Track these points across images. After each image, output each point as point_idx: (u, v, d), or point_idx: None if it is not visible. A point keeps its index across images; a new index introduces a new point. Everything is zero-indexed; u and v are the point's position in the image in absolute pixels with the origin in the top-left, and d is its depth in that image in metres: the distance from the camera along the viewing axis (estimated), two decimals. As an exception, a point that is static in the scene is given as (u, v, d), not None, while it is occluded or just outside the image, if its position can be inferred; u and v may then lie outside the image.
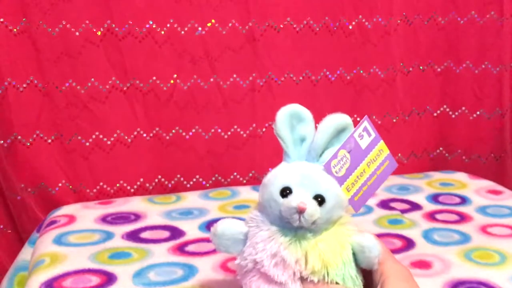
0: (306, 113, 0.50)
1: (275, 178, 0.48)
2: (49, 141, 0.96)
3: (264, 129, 1.02)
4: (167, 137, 0.99)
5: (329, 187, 0.47)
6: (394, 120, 1.08)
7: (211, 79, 0.98)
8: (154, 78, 0.96)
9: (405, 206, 0.85)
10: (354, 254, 0.47)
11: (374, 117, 1.06)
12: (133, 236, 0.74)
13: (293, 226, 0.46)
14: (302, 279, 0.46)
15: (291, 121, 0.49)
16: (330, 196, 0.47)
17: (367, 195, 0.50)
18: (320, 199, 0.46)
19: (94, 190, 0.98)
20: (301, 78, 1.02)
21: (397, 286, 0.45)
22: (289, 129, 0.49)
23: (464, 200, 0.87)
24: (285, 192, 0.47)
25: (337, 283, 0.46)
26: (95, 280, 0.62)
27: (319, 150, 0.48)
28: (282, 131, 0.49)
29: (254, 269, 0.47)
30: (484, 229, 0.75)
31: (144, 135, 0.98)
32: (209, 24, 0.96)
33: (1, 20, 0.89)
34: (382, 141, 0.51)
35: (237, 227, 0.49)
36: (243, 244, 0.49)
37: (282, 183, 0.47)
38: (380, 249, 0.46)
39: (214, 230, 0.50)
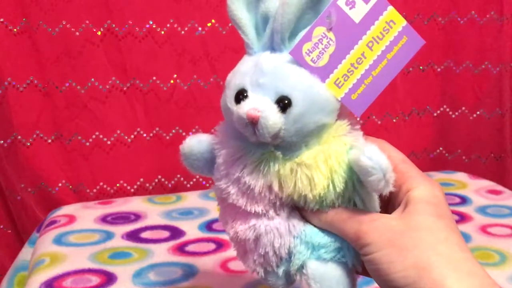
0: None
1: (232, 76, 0.38)
2: (49, 141, 0.95)
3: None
4: (167, 137, 0.99)
5: (297, 83, 0.35)
6: (394, 120, 1.08)
7: (211, 79, 0.98)
8: (154, 78, 0.96)
9: (405, 206, 0.85)
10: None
11: (374, 117, 1.06)
12: (133, 236, 0.74)
13: (260, 142, 0.36)
14: (297, 208, 0.37)
15: None
16: (299, 97, 0.34)
17: (372, 91, 0.36)
18: (283, 103, 0.34)
19: (94, 190, 0.98)
20: (301, 78, 1.02)
21: (424, 209, 0.35)
22: (246, 7, 0.38)
23: (464, 200, 0.87)
24: (240, 96, 0.36)
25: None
26: (95, 280, 0.62)
27: (285, 31, 0.35)
28: (236, 11, 0.37)
29: (225, 200, 0.38)
30: (484, 229, 0.75)
31: (144, 135, 0.98)
32: (209, 24, 0.96)
33: (1, 20, 0.89)
34: (391, 8, 0.36)
35: (205, 144, 0.41)
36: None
37: (237, 84, 0.36)
38: (385, 168, 0.34)
39: (181, 149, 0.41)
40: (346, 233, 0.36)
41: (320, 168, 0.35)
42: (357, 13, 0.35)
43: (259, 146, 0.36)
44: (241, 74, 0.37)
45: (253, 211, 0.37)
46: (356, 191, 0.36)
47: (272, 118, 0.34)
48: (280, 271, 0.38)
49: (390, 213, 0.37)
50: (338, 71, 0.35)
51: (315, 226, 0.37)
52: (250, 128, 0.34)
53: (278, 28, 0.35)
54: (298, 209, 0.38)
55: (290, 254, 0.38)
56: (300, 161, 0.35)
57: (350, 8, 0.35)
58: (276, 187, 0.36)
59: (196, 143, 0.41)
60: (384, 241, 0.34)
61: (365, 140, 0.37)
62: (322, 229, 0.37)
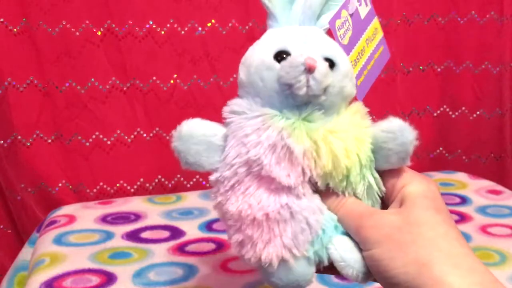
0: None
1: (264, 44, 0.37)
2: (49, 141, 0.95)
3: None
4: (167, 137, 0.99)
5: (338, 50, 0.37)
6: (394, 120, 1.08)
7: (211, 79, 0.98)
8: (154, 78, 0.96)
9: (405, 206, 0.85)
10: (373, 152, 0.36)
11: (374, 117, 1.06)
12: (133, 236, 0.74)
13: (295, 105, 0.35)
14: (317, 190, 0.37)
15: None
16: (341, 60, 0.36)
17: (368, 82, 0.41)
18: (330, 61, 0.35)
19: (94, 190, 0.98)
20: (301, 78, 1.02)
21: (421, 204, 0.35)
22: None
23: (464, 200, 0.87)
24: (282, 55, 0.35)
25: (355, 196, 0.37)
26: (95, 280, 0.62)
27: (316, 9, 0.37)
28: None
29: (247, 177, 0.35)
30: (484, 229, 0.75)
31: (144, 135, 0.98)
32: (209, 24, 0.96)
33: (1, 20, 0.89)
34: (376, 18, 0.41)
35: (211, 126, 0.37)
36: (219, 152, 0.36)
37: (276, 46, 0.36)
38: (414, 132, 0.36)
39: (178, 132, 0.37)
40: (349, 227, 0.36)
41: (350, 137, 0.35)
42: (362, 11, 0.39)
43: (293, 110, 0.35)
44: (277, 38, 0.36)
45: (286, 184, 0.34)
46: (371, 171, 0.36)
47: (327, 68, 0.34)
48: (311, 253, 0.36)
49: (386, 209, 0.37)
50: (352, 54, 0.38)
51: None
52: (303, 77, 0.33)
53: (312, 5, 0.36)
54: (318, 193, 0.37)
55: (322, 231, 0.36)
56: (334, 127, 0.35)
57: (360, 5, 0.39)
58: (313, 152, 0.34)
59: (198, 124, 0.37)
60: (383, 236, 0.34)
61: None
62: None
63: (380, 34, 0.41)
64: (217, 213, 0.38)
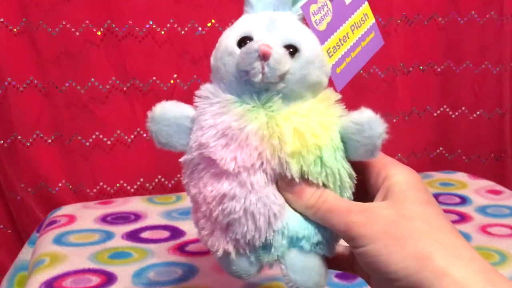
0: None
1: (232, 30, 0.38)
2: (49, 141, 0.95)
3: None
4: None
5: (306, 37, 0.36)
6: (394, 120, 1.08)
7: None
8: (154, 78, 0.96)
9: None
10: (343, 142, 0.35)
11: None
12: (133, 236, 0.74)
13: (255, 91, 0.35)
14: (276, 179, 0.35)
15: None
16: (305, 47, 0.35)
17: (350, 70, 0.39)
18: (292, 50, 0.35)
19: (94, 190, 0.98)
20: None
21: (413, 197, 0.34)
22: None
23: (464, 200, 0.87)
24: (244, 41, 0.35)
25: (324, 185, 0.35)
26: (95, 280, 0.62)
27: None
28: None
29: (202, 161, 0.35)
30: (484, 229, 0.75)
31: (144, 135, 0.98)
32: (209, 24, 0.96)
33: (1, 20, 0.89)
34: (367, 3, 0.40)
35: (182, 109, 0.38)
36: (190, 134, 0.37)
37: (241, 32, 0.36)
38: (384, 125, 0.34)
39: (151, 113, 0.38)
40: (336, 224, 0.34)
41: (313, 121, 0.34)
42: None
43: (252, 96, 0.35)
44: (244, 25, 0.36)
45: (225, 168, 0.34)
46: (341, 163, 0.35)
47: (284, 55, 0.33)
48: (252, 257, 0.37)
49: (366, 200, 0.36)
50: (330, 40, 0.37)
51: (297, 212, 0.35)
52: (258, 64, 0.33)
53: None
54: (280, 189, 0.35)
55: (267, 244, 0.36)
56: (295, 111, 0.35)
57: None
58: (266, 130, 0.34)
59: (171, 106, 0.38)
60: (378, 232, 0.33)
61: None
62: (304, 218, 0.35)
63: (371, 20, 0.39)
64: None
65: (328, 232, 0.36)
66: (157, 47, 0.95)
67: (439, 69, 1.09)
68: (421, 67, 1.09)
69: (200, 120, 0.36)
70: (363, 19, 0.39)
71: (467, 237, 0.72)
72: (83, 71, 0.93)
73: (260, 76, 0.33)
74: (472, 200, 0.87)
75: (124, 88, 0.96)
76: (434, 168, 1.10)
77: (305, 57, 0.35)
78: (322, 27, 0.36)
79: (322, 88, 0.37)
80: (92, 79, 0.94)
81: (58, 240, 0.72)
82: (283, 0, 0.36)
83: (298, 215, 0.36)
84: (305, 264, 0.36)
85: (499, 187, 0.93)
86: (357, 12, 0.38)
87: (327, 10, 0.37)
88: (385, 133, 0.34)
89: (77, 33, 0.91)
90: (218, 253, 0.37)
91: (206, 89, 0.37)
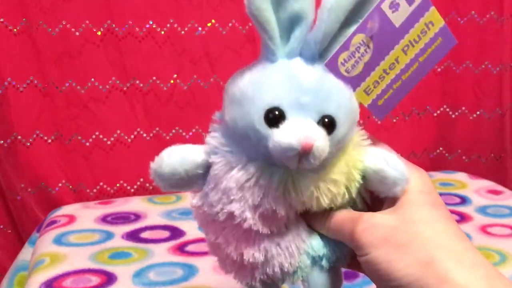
0: None
1: (255, 89, 0.31)
2: (49, 141, 0.95)
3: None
4: (167, 137, 0.99)
5: (342, 101, 0.32)
6: (394, 120, 1.08)
7: (211, 79, 0.98)
8: (154, 78, 0.96)
9: (405, 206, 0.85)
10: (364, 176, 0.34)
11: (374, 117, 1.06)
12: (133, 236, 0.74)
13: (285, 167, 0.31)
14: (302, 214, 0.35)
15: None
16: (343, 116, 0.31)
17: (398, 95, 0.34)
18: (329, 124, 0.31)
19: (94, 190, 0.98)
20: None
21: (417, 200, 0.33)
22: (273, 4, 0.31)
23: (464, 200, 0.87)
24: (274, 116, 0.30)
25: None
26: (95, 280, 0.62)
27: (325, 41, 0.31)
28: (262, 6, 0.30)
29: (228, 221, 0.34)
30: (484, 229, 0.75)
31: (144, 135, 0.98)
32: (209, 24, 0.96)
33: (1, 20, 0.89)
34: (433, 8, 0.33)
35: (192, 158, 0.34)
36: (203, 178, 0.34)
37: (268, 101, 0.30)
38: (408, 178, 0.33)
39: (158, 168, 0.34)
40: (343, 236, 0.34)
41: (342, 180, 0.33)
42: (398, 17, 0.32)
43: (282, 169, 0.32)
44: (270, 88, 0.31)
45: (267, 232, 0.33)
46: (360, 194, 0.35)
47: (325, 145, 0.30)
48: (280, 284, 0.37)
49: (379, 204, 0.35)
50: (370, 78, 0.33)
51: (317, 232, 0.36)
52: (296, 158, 0.29)
53: (319, 37, 0.31)
54: (304, 215, 0.35)
55: (296, 269, 0.36)
56: (327, 177, 0.33)
57: (393, 12, 0.32)
58: (299, 206, 0.33)
59: (179, 160, 0.34)
60: (379, 239, 0.32)
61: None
62: (323, 237, 0.36)
63: (438, 26, 0.33)
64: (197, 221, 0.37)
65: (345, 247, 0.36)
66: (157, 47, 0.95)
67: (439, 69, 1.09)
68: (421, 67, 1.09)
69: (222, 183, 0.33)
70: (424, 30, 0.33)
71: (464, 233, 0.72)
72: (83, 71, 0.93)
73: (295, 166, 0.30)
74: (472, 200, 0.87)
75: (124, 88, 0.96)
76: (434, 168, 1.10)
77: (342, 132, 0.31)
78: (357, 71, 0.32)
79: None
80: (92, 79, 0.94)
81: (58, 240, 0.72)
82: (312, 48, 0.31)
83: (317, 235, 0.36)
84: (325, 282, 0.36)
85: (499, 187, 0.93)
86: (414, 27, 0.33)
87: (365, 49, 0.31)
88: (407, 183, 0.33)
89: (77, 33, 0.91)
90: (242, 283, 0.37)
91: (223, 145, 0.33)
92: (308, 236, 0.35)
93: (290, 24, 0.31)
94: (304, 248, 0.35)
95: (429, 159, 1.13)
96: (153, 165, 0.34)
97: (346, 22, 0.32)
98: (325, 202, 0.33)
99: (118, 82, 0.95)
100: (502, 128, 1.10)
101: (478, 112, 1.11)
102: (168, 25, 0.95)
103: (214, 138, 0.34)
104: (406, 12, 0.32)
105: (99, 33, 0.92)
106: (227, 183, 0.32)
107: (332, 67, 0.31)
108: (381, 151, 0.34)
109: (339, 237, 0.35)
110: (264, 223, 0.33)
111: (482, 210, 0.82)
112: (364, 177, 0.34)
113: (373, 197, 0.36)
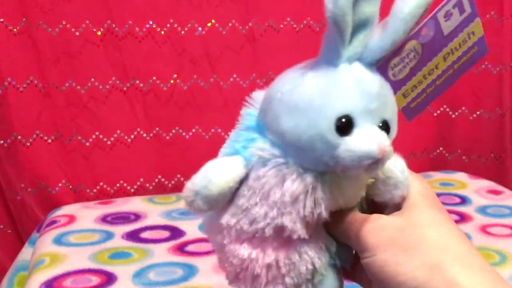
0: None
1: (324, 96, 0.30)
2: (49, 141, 0.95)
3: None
4: (167, 137, 0.99)
5: (394, 106, 0.32)
6: (394, 120, 1.08)
7: (211, 79, 0.98)
8: (154, 78, 0.96)
9: (405, 206, 0.85)
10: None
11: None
12: (133, 236, 0.74)
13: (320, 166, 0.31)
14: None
15: None
16: (395, 121, 0.32)
17: (430, 99, 0.35)
18: (386, 127, 0.31)
19: (94, 190, 0.98)
20: (301, 78, 1.02)
21: (422, 203, 0.33)
22: (352, 5, 0.29)
23: (464, 200, 0.87)
24: (345, 123, 0.30)
25: None
26: (95, 280, 0.62)
27: (392, 48, 0.31)
28: (346, 11, 0.29)
29: (271, 236, 0.33)
30: (484, 229, 0.75)
31: (144, 135, 0.98)
32: (209, 24, 0.96)
33: (1, 20, 0.89)
34: (478, 19, 0.34)
35: (237, 174, 0.32)
36: (233, 191, 0.33)
37: (339, 109, 0.30)
38: (409, 187, 0.33)
39: (203, 190, 0.32)
40: (348, 237, 0.34)
41: (366, 179, 0.34)
42: (448, 26, 0.33)
43: (319, 169, 0.31)
44: (339, 95, 0.30)
45: (308, 237, 0.33)
46: (366, 194, 0.35)
47: (391, 150, 0.31)
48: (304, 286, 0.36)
49: (379, 211, 0.35)
50: (410, 82, 0.33)
51: (329, 234, 0.36)
52: (367, 163, 0.29)
53: (387, 46, 0.31)
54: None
55: (321, 268, 0.35)
56: (363, 181, 0.34)
57: (446, 21, 0.32)
58: (335, 209, 0.33)
59: (225, 178, 0.32)
60: (385, 241, 0.32)
61: None
62: (334, 238, 0.36)
63: (477, 36, 0.34)
64: (210, 241, 0.36)
65: (347, 251, 0.36)
66: (157, 47, 0.95)
67: (439, 69, 1.09)
68: (421, 67, 1.09)
69: (271, 197, 0.32)
70: (466, 39, 0.33)
71: (467, 237, 0.72)
72: (83, 71, 0.93)
73: (364, 172, 0.31)
74: (472, 200, 0.87)
75: (124, 88, 0.96)
76: (434, 168, 1.10)
77: (393, 135, 0.33)
78: (402, 75, 0.32)
79: None
80: (92, 79, 0.94)
81: (58, 240, 0.72)
82: (373, 53, 0.31)
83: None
84: (333, 281, 0.36)
85: (499, 187, 0.93)
86: (459, 36, 0.33)
87: (414, 55, 0.32)
88: (407, 193, 0.33)
89: (77, 33, 0.91)
90: None
91: (275, 156, 0.32)
92: (325, 239, 0.35)
93: (357, 27, 0.30)
94: (323, 253, 0.35)
95: (429, 159, 1.13)
96: (193, 185, 0.33)
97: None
98: (353, 204, 0.34)
99: (118, 82, 0.95)
100: (502, 128, 1.10)
101: (478, 112, 1.11)
102: (168, 25, 0.95)
103: (263, 150, 0.32)
104: (456, 21, 0.33)
105: (99, 33, 0.92)
106: (279, 196, 0.31)
107: (383, 72, 0.31)
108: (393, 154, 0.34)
109: (345, 239, 0.35)
110: (308, 230, 0.33)
111: (482, 210, 0.82)
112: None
113: (372, 203, 0.36)
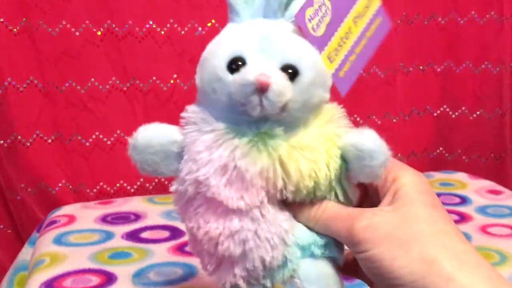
0: None
1: (219, 45, 0.33)
2: (49, 141, 0.95)
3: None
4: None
5: (304, 52, 0.32)
6: (394, 120, 1.08)
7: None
8: (154, 78, 0.96)
9: (405, 206, 0.85)
10: (345, 160, 0.33)
11: (374, 117, 1.06)
12: (133, 236, 0.74)
13: (252, 120, 0.31)
14: (283, 201, 0.33)
15: None
16: (306, 66, 0.31)
17: (355, 69, 0.34)
18: (291, 71, 0.31)
19: (94, 190, 0.98)
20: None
21: (418, 200, 0.33)
22: None
23: (464, 200, 0.87)
24: (236, 64, 0.31)
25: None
26: (95, 280, 0.62)
27: None
28: None
29: (199, 195, 0.33)
30: (484, 229, 0.75)
31: (144, 135, 0.98)
32: (209, 24, 0.96)
33: (1, 20, 0.89)
34: None
35: (168, 134, 0.34)
36: (179, 159, 0.34)
37: (230, 51, 0.32)
38: (388, 155, 0.32)
39: (133, 142, 0.35)
40: (338, 231, 0.34)
41: (319, 150, 0.32)
42: None
43: (250, 125, 0.31)
44: (232, 40, 0.32)
45: (236, 207, 0.32)
46: (341, 182, 0.34)
47: (284, 84, 0.30)
48: (268, 282, 0.35)
49: (373, 204, 0.35)
50: (331, 43, 0.32)
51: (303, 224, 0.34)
52: (255, 97, 0.29)
53: None
54: (286, 205, 0.34)
55: (282, 264, 0.34)
56: (300, 141, 0.32)
57: None
58: (271, 172, 0.31)
59: (155, 133, 0.34)
60: (382, 236, 0.32)
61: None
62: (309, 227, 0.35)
63: (375, 5, 0.34)
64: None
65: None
66: (157, 47, 0.95)
67: (439, 69, 1.09)
68: (421, 67, 1.09)
69: (192, 150, 0.32)
70: (367, 5, 0.34)
71: (467, 237, 0.72)
72: (83, 71, 0.93)
73: (258, 109, 0.30)
74: (472, 200, 0.87)
75: (124, 88, 0.96)
76: (434, 168, 1.10)
77: (306, 80, 0.31)
78: (320, 31, 0.32)
79: (324, 103, 0.34)
80: (92, 79, 0.94)
81: (58, 240, 0.72)
82: (273, 7, 0.32)
83: (301, 225, 0.35)
84: (319, 272, 0.35)
85: (499, 187, 0.92)
86: (359, 0, 0.34)
87: (326, 10, 0.32)
88: (388, 161, 0.32)
89: (77, 33, 0.91)
90: (226, 286, 0.35)
91: (194, 113, 0.34)
92: (290, 226, 0.34)
93: None
94: (291, 239, 0.34)
95: (429, 159, 1.13)
96: (129, 139, 0.35)
97: None
98: (303, 171, 0.32)
99: (118, 82, 0.95)
100: (502, 128, 1.10)
101: (478, 112, 1.11)
102: (168, 25, 0.95)
103: (186, 110, 0.35)
104: None
105: (99, 33, 0.92)
106: (195, 147, 0.32)
107: (301, 21, 0.31)
108: (360, 128, 0.33)
109: (330, 232, 0.34)
110: (232, 191, 0.31)
111: (482, 210, 0.82)
112: (344, 161, 0.33)
113: (362, 198, 0.36)
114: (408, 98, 1.09)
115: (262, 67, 0.30)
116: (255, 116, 0.31)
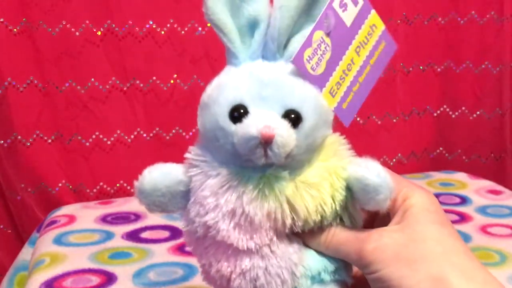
0: None
1: (219, 91, 0.33)
2: (49, 141, 0.95)
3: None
4: (167, 137, 0.99)
5: (306, 95, 0.32)
6: (394, 120, 1.08)
7: (211, 79, 0.98)
8: (154, 78, 0.96)
9: (405, 206, 0.85)
10: (350, 189, 0.33)
11: (374, 117, 1.06)
12: (133, 236, 0.74)
13: (258, 167, 0.31)
14: (294, 233, 0.34)
15: None
16: (308, 110, 0.31)
17: (359, 98, 0.35)
18: (293, 117, 0.31)
19: (94, 190, 0.98)
20: (301, 78, 1.02)
21: (426, 219, 0.33)
22: (230, 10, 0.33)
23: (464, 200, 0.87)
24: (238, 112, 0.31)
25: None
26: (95, 280, 0.62)
27: (282, 38, 0.32)
28: (218, 14, 0.33)
29: (208, 236, 0.33)
30: (484, 229, 0.75)
31: (144, 135, 0.98)
32: (209, 24, 0.95)
33: (1, 20, 0.89)
34: (374, 11, 0.34)
35: (174, 175, 0.34)
36: (186, 197, 0.34)
37: (231, 99, 0.32)
38: (392, 187, 0.32)
39: (140, 186, 0.35)
40: (348, 254, 0.34)
41: (324, 186, 0.32)
42: (348, 16, 0.33)
43: (255, 169, 0.31)
44: (233, 87, 0.32)
45: (246, 248, 0.32)
46: (347, 208, 0.34)
47: (288, 135, 0.30)
48: None
49: (384, 223, 0.35)
50: (332, 79, 0.33)
51: (313, 250, 0.35)
52: (260, 150, 0.30)
53: (274, 35, 0.32)
54: (295, 234, 0.34)
55: None
56: (305, 180, 0.32)
57: (343, 11, 0.32)
58: (279, 213, 0.32)
59: (160, 176, 0.35)
60: (390, 256, 0.32)
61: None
62: (319, 252, 0.35)
63: (380, 29, 0.34)
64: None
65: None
66: (157, 47, 0.95)
67: (439, 69, 1.09)
68: (421, 67, 1.09)
69: (198, 194, 0.33)
70: (370, 32, 0.34)
71: (467, 237, 0.72)
72: (83, 71, 0.93)
73: (263, 159, 0.30)
74: (472, 200, 0.87)
75: (124, 88, 0.96)
76: (434, 168, 1.10)
77: (309, 125, 0.31)
78: (320, 69, 0.32)
79: (326, 137, 0.34)
80: (92, 79, 0.94)
81: (58, 240, 0.72)
82: (271, 48, 0.32)
83: (312, 251, 0.35)
84: None
85: (499, 187, 0.92)
86: (362, 28, 0.33)
87: (325, 47, 0.32)
88: (392, 194, 0.32)
89: (77, 33, 0.91)
90: None
91: (198, 156, 0.34)
92: (300, 257, 0.34)
93: (250, 29, 0.33)
94: (300, 272, 0.34)
95: (429, 159, 1.13)
96: (136, 183, 0.35)
97: (303, 21, 0.33)
98: (310, 209, 0.32)
99: (118, 82, 0.95)
100: (502, 128, 1.10)
101: (478, 112, 1.11)
102: (168, 25, 0.95)
103: (190, 152, 0.34)
104: (353, 12, 0.33)
105: (99, 33, 0.92)
106: (202, 192, 0.32)
107: (299, 63, 0.31)
108: (364, 159, 0.33)
109: (341, 256, 0.35)
110: (241, 234, 0.32)
111: (482, 210, 0.82)
112: (349, 189, 0.33)
113: (369, 219, 0.36)
114: (408, 98, 1.09)
115: (264, 118, 0.30)
116: (260, 165, 0.31)
